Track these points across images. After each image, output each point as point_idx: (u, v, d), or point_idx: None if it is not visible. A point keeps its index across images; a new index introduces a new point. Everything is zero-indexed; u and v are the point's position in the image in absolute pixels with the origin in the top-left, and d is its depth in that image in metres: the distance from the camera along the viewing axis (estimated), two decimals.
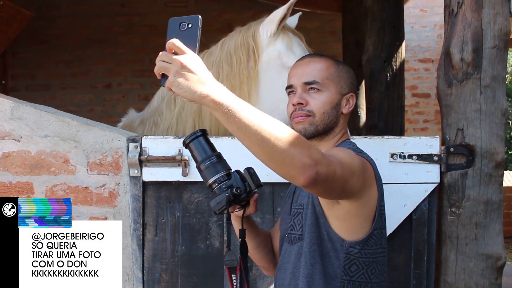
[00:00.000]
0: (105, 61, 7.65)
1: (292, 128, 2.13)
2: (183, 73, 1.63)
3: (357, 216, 1.97)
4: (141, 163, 2.63)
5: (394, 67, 4.29)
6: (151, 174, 2.64)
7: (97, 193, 2.68)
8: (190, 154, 1.92)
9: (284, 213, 2.26)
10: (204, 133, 1.88)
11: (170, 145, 2.63)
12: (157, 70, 1.69)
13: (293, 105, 2.12)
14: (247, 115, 1.65)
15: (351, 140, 2.22)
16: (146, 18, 7.59)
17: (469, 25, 2.57)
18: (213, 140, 1.92)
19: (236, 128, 1.66)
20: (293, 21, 3.18)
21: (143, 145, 2.63)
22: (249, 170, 1.91)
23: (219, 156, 1.87)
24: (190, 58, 1.65)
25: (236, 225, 2.13)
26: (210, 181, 1.84)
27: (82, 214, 2.67)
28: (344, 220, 1.98)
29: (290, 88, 2.17)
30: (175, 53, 1.66)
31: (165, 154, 2.61)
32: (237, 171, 1.89)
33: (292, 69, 2.21)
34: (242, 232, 2.04)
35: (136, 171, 2.64)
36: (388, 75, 4.26)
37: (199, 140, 1.86)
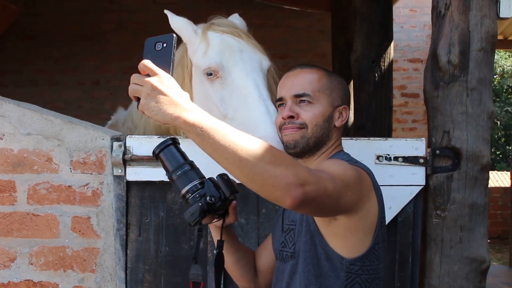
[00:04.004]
0: (93, 57, 7.61)
1: (281, 140, 2.06)
2: (153, 95, 1.59)
3: (356, 231, 1.88)
4: (125, 162, 2.60)
5: (383, 67, 4.28)
6: (135, 173, 2.62)
7: (80, 192, 2.65)
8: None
9: (276, 230, 2.18)
10: (174, 141, 1.80)
11: (154, 145, 2.55)
12: (130, 93, 1.65)
13: (283, 118, 2.04)
14: (222, 135, 1.58)
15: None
16: (135, 15, 7.56)
17: (456, 27, 2.56)
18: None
19: (211, 150, 1.59)
20: (240, 23, 2.83)
21: (127, 144, 2.61)
22: (223, 176, 1.79)
23: (191, 165, 1.78)
24: (161, 79, 1.61)
25: (216, 236, 2.04)
26: (183, 191, 1.76)
27: (65, 213, 2.64)
28: (343, 237, 1.89)
29: (280, 101, 2.10)
30: (148, 75, 1.62)
31: (149, 153, 2.56)
32: (210, 179, 1.78)
33: (281, 80, 2.13)
34: (220, 243, 1.95)
35: (120, 171, 2.61)
36: (376, 75, 4.25)
37: (170, 149, 1.80)
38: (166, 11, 2.63)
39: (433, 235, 2.59)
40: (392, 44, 4.35)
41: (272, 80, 2.60)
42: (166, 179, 2.56)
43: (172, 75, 1.66)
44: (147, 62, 1.63)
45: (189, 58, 2.62)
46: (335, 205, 1.75)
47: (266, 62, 2.56)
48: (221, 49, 2.50)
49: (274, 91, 2.49)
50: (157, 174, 2.60)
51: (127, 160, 2.60)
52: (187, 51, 2.63)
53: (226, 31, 2.58)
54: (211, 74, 2.47)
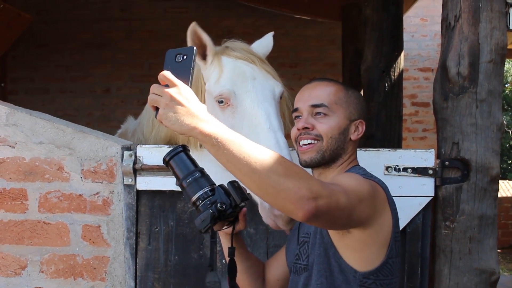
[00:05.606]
0: (104, 65, 7.67)
1: (297, 152, 2.08)
2: (172, 106, 1.62)
3: (370, 244, 1.89)
4: (135, 171, 2.62)
5: (393, 77, 4.28)
6: (145, 182, 2.63)
7: (91, 201, 2.67)
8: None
9: (290, 243, 2.18)
10: (184, 148, 1.81)
11: (164, 154, 2.61)
12: (149, 103, 1.67)
13: (298, 129, 2.06)
14: (237, 146, 1.60)
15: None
16: (146, 23, 7.61)
17: (466, 39, 2.56)
18: None
19: (226, 161, 1.62)
20: (265, 43, 2.82)
21: (137, 154, 2.63)
22: (233, 183, 1.81)
23: (202, 172, 1.79)
24: (180, 90, 1.63)
25: (226, 243, 2.05)
26: (194, 198, 1.75)
27: (75, 221, 2.66)
28: (356, 250, 1.89)
29: (296, 112, 2.11)
30: (167, 86, 1.65)
31: (160, 163, 2.59)
32: (221, 186, 1.79)
33: (298, 93, 2.15)
34: (232, 250, 1.95)
35: (130, 180, 2.63)
36: (386, 85, 4.26)
37: (180, 156, 1.79)
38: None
39: (442, 246, 2.58)
40: (402, 54, 4.35)
41: (286, 106, 2.59)
42: (176, 188, 2.61)
43: (191, 87, 1.68)
44: (167, 73, 1.66)
45: (203, 81, 2.59)
46: (347, 219, 1.76)
47: (278, 89, 2.51)
48: (233, 76, 2.47)
49: (288, 117, 2.51)
50: (167, 183, 2.62)
51: (138, 169, 2.61)
52: (202, 74, 2.60)
53: (240, 57, 2.54)
54: (222, 102, 2.43)
